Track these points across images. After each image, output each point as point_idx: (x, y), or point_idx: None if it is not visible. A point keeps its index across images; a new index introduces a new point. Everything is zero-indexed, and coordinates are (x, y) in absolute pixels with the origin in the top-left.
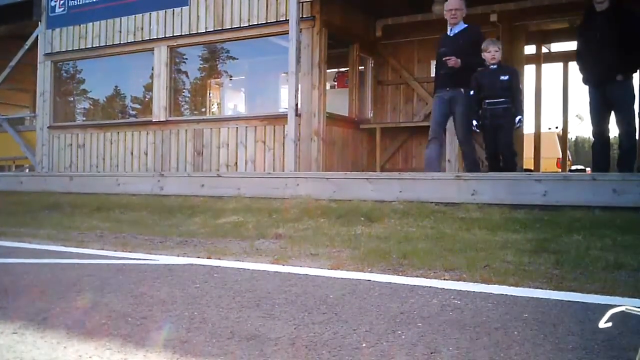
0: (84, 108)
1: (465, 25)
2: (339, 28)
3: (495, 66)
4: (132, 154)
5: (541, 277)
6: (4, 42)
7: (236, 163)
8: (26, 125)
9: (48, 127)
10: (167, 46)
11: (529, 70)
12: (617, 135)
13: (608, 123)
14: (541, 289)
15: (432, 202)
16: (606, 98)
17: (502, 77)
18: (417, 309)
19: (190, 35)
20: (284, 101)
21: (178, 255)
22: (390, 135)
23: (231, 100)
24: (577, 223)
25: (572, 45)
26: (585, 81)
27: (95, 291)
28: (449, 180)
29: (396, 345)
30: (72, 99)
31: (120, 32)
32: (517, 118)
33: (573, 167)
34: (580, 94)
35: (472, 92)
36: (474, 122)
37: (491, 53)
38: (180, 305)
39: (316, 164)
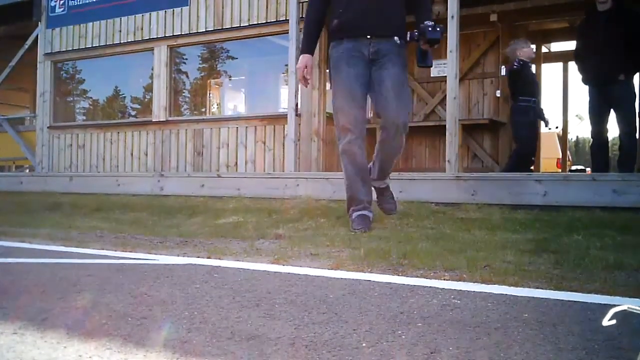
0: (84, 108)
1: None
2: None
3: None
4: (132, 154)
5: (541, 277)
6: (4, 42)
7: (236, 163)
8: (26, 126)
9: (48, 128)
10: (167, 46)
11: None
12: (617, 135)
13: (607, 123)
14: (541, 288)
15: (432, 203)
16: (606, 98)
17: None
18: (417, 309)
19: (190, 34)
20: (284, 101)
21: (178, 255)
22: None
23: (231, 100)
24: (577, 223)
25: (572, 45)
26: (585, 81)
27: (96, 291)
28: (449, 181)
29: (396, 345)
30: (72, 99)
31: (120, 32)
32: None
33: (573, 168)
34: (580, 94)
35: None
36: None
37: (532, 48)
38: (180, 305)
39: (316, 164)
